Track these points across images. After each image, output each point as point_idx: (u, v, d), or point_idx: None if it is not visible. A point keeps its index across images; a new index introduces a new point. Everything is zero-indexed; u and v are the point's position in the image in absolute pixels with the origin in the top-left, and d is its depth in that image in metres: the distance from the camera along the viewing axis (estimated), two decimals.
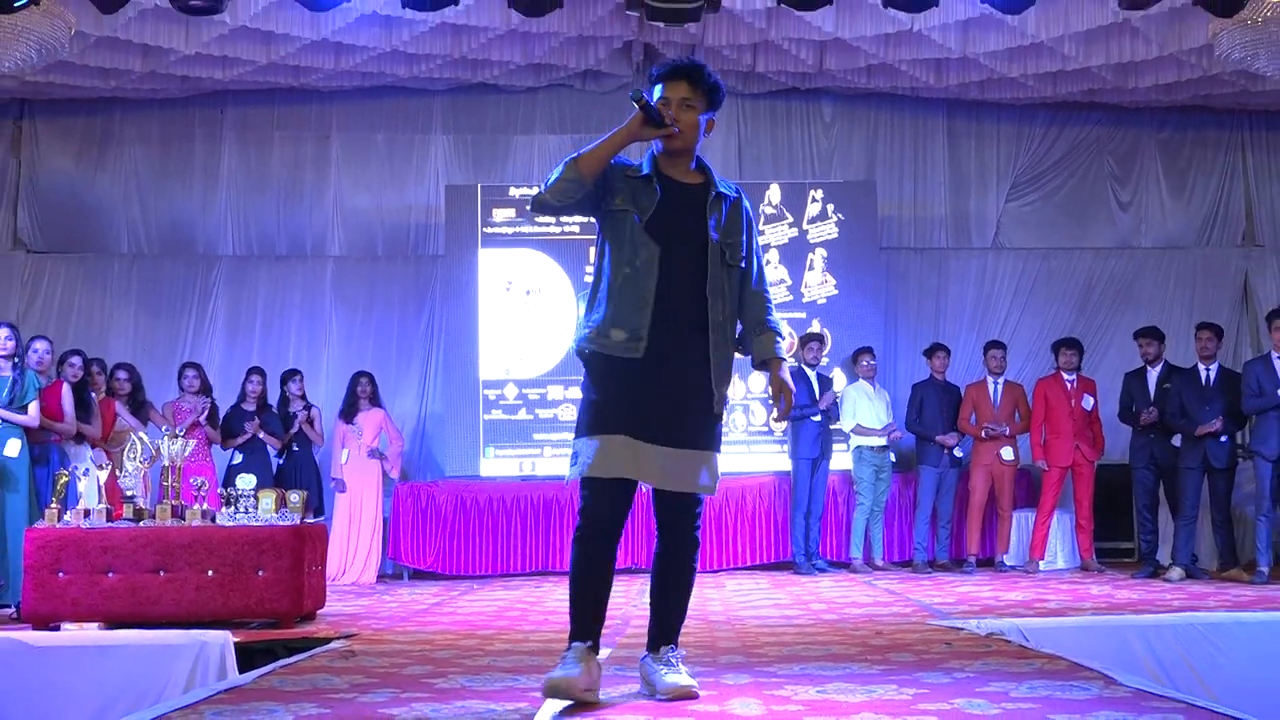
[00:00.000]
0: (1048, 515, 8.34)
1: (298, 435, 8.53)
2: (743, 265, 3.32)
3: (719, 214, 3.30)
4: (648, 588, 3.36)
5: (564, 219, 9.14)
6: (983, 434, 8.46)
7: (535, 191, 3.23)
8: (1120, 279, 9.97)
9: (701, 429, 3.22)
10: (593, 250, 8.47)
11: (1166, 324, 8.78)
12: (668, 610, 3.29)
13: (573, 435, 3.23)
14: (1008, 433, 8.48)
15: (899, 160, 10.09)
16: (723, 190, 3.34)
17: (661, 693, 3.16)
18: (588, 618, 3.14)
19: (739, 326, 3.35)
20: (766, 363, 3.34)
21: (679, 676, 3.19)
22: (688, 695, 3.14)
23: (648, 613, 3.37)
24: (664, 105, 3.22)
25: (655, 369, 3.15)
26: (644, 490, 3.28)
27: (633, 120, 3.17)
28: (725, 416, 3.37)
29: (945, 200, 10.09)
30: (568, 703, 3.06)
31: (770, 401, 3.32)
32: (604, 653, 4.17)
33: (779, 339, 3.36)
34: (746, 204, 3.38)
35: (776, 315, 3.41)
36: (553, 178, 3.17)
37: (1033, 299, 9.96)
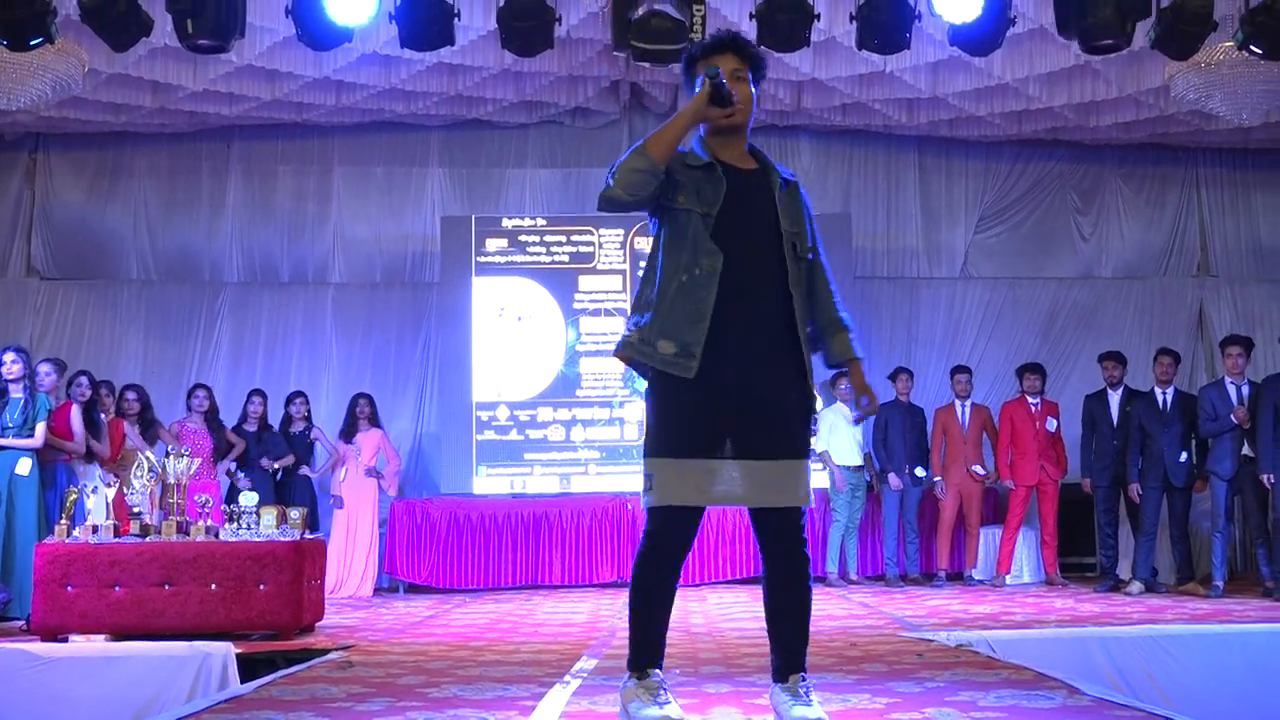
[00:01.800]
0: (1014, 532, 8.49)
1: (301, 452, 8.69)
2: (810, 257, 3.02)
3: (785, 202, 3.00)
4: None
5: (553, 248, 9.38)
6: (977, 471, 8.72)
7: (609, 187, 2.87)
8: (1082, 307, 10.20)
9: (789, 436, 2.92)
10: (583, 278, 8.98)
11: (1126, 350, 8.89)
12: (788, 636, 2.97)
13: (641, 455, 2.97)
14: (982, 473, 8.70)
15: (873, 194, 10.30)
16: (785, 176, 3.05)
17: None
18: (658, 642, 2.96)
19: (810, 325, 3.02)
20: (844, 363, 3.04)
21: (807, 710, 2.85)
22: None
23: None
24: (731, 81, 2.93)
25: (716, 386, 2.85)
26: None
27: (698, 99, 2.89)
28: None
29: (917, 232, 10.30)
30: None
31: (854, 404, 3.06)
32: (590, 663, 4.36)
33: (854, 337, 3.05)
34: (804, 190, 3.08)
35: (846, 312, 3.09)
36: (623, 169, 2.85)
37: (999, 326, 10.19)
